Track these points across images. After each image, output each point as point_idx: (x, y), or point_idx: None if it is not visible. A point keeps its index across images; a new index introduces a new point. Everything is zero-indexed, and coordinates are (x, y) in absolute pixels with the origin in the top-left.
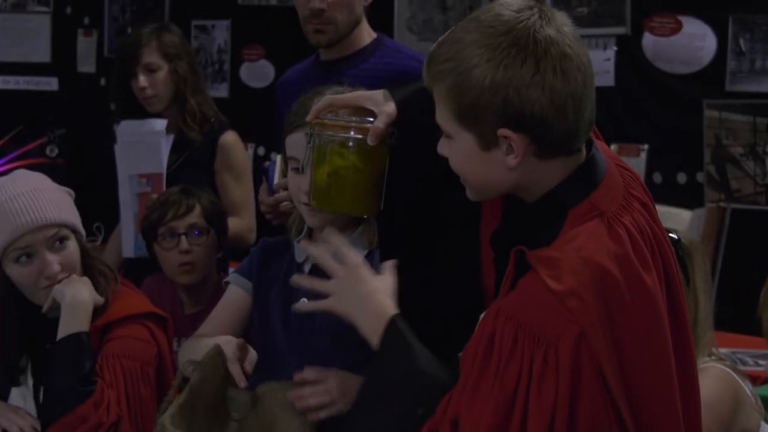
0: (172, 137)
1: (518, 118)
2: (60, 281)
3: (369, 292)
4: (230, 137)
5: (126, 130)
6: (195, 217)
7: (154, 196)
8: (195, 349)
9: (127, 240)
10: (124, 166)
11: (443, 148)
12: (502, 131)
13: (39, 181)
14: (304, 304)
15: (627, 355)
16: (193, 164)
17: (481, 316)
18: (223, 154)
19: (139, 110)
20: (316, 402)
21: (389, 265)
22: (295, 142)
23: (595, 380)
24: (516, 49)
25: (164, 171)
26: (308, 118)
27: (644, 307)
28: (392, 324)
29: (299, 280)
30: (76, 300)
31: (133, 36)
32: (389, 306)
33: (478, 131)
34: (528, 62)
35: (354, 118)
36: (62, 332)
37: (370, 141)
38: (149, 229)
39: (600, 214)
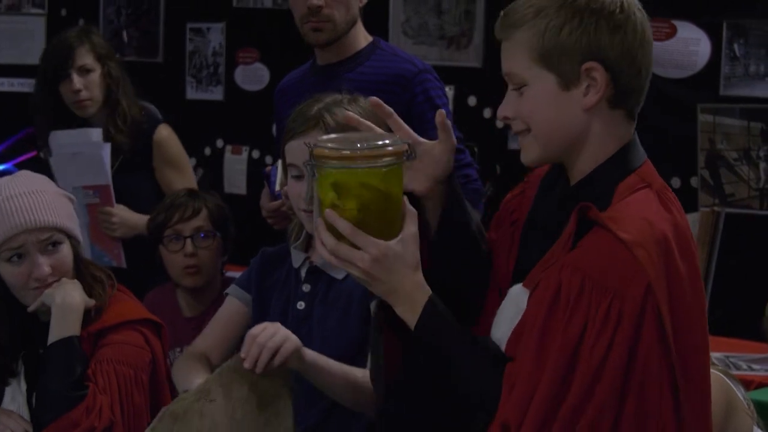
0: (109, 145)
1: (602, 55)
2: (50, 284)
3: (399, 281)
4: (164, 132)
5: (61, 141)
6: (201, 220)
7: (105, 208)
8: (188, 379)
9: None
10: (65, 178)
11: (508, 106)
12: (588, 64)
13: (39, 183)
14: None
15: (677, 314)
16: (131, 167)
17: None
18: (159, 150)
19: (68, 118)
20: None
21: (412, 217)
22: (295, 150)
23: (656, 333)
24: (599, 2)
25: (110, 182)
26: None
27: (692, 274)
28: (431, 304)
29: None
30: (67, 303)
31: (63, 39)
32: (420, 286)
33: (561, 69)
34: (611, 12)
35: (361, 145)
36: (53, 336)
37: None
38: (155, 231)
39: (648, 186)
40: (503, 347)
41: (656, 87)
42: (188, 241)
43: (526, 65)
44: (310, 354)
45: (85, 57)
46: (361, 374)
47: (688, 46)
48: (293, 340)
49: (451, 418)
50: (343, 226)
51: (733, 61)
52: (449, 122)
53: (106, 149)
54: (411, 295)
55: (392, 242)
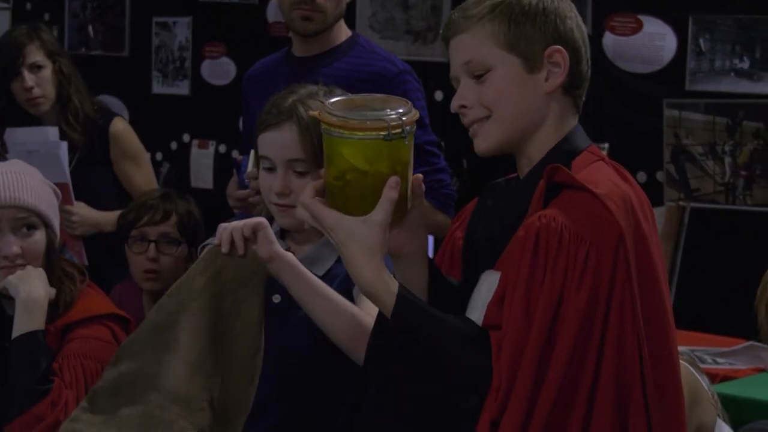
0: (66, 144)
1: (564, 40)
2: (17, 266)
3: (364, 264)
4: (119, 125)
5: (18, 139)
6: (169, 226)
7: (64, 206)
8: None
9: None
10: None
11: (466, 94)
12: (552, 48)
13: (27, 169)
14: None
15: (642, 271)
16: (88, 162)
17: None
18: (116, 143)
19: (20, 115)
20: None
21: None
22: (267, 142)
23: (627, 283)
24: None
25: (69, 180)
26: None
27: (654, 235)
28: (402, 297)
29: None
30: (31, 297)
31: (12, 37)
32: (384, 275)
33: (526, 53)
34: (564, 8)
35: (367, 113)
36: (17, 331)
37: None
38: (122, 230)
39: (602, 159)
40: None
41: (622, 82)
42: (152, 245)
43: (491, 50)
44: (287, 253)
45: (36, 54)
46: (352, 305)
47: (654, 41)
48: (261, 219)
49: (436, 409)
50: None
51: (699, 56)
52: (423, 186)
53: (64, 147)
54: (369, 283)
55: (350, 218)
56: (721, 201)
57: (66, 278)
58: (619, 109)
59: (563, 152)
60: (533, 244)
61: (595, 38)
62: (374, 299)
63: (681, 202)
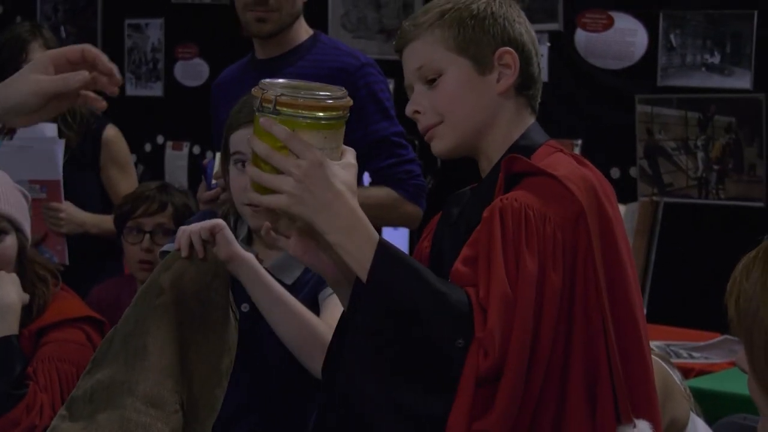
0: (63, 142)
1: (514, 42)
2: None
3: (335, 197)
4: (112, 131)
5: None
6: (165, 217)
7: (52, 203)
8: None
9: None
10: (10, 171)
11: (419, 100)
12: (502, 49)
13: None
14: (250, 193)
15: (607, 251)
16: (77, 163)
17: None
18: (107, 149)
19: None
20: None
21: (351, 153)
22: (242, 138)
23: (590, 260)
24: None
25: (61, 177)
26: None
27: (618, 219)
28: (383, 248)
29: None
30: (4, 303)
31: (15, 34)
32: (364, 222)
33: (476, 56)
34: (514, 9)
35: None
36: None
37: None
38: (118, 220)
39: (560, 150)
40: None
41: (594, 78)
42: (147, 236)
43: (441, 55)
44: (246, 253)
45: (38, 52)
46: (311, 314)
47: (625, 37)
48: (218, 221)
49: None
50: (280, 130)
51: (670, 52)
52: None
53: (60, 145)
54: (349, 222)
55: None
56: (695, 195)
57: (39, 282)
58: (592, 105)
59: (522, 148)
60: (499, 221)
61: (567, 35)
62: (359, 236)
63: (654, 197)
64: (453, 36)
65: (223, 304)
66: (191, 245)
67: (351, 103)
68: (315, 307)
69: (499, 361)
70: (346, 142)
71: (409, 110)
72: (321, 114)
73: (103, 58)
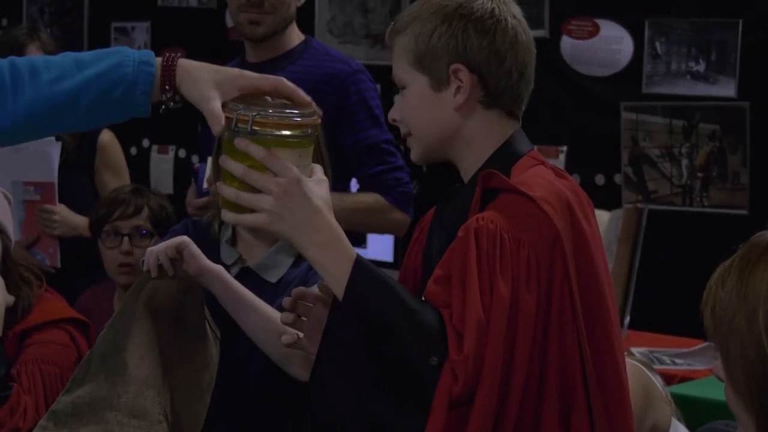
0: (60, 144)
1: (468, 57)
2: None
3: (314, 213)
4: (107, 136)
5: None
6: (141, 219)
7: (46, 205)
8: None
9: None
10: (5, 171)
11: (395, 109)
12: (454, 66)
13: None
14: (225, 213)
15: (582, 270)
16: (72, 166)
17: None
18: (102, 153)
19: None
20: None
21: (320, 168)
22: None
23: (565, 284)
24: (468, 8)
25: (56, 180)
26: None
27: (595, 234)
28: (361, 265)
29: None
30: None
31: (12, 35)
32: (341, 238)
33: (432, 71)
34: (480, 17)
35: (270, 111)
36: None
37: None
38: (95, 225)
39: (542, 163)
40: None
41: (580, 85)
42: (125, 238)
43: (404, 69)
44: (215, 266)
45: (35, 54)
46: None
47: (611, 45)
48: (183, 238)
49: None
50: (257, 149)
51: (655, 60)
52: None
53: (57, 147)
54: (328, 237)
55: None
56: (679, 203)
57: (23, 284)
58: (577, 113)
59: (502, 159)
60: (474, 243)
61: (553, 42)
62: (337, 253)
63: (639, 204)
64: (411, 49)
65: (199, 319)
66: (160, 266)
67: (320, 120)
68: None
69: (470, 386)
70: (337, 149)
71: (389, 118)
72: (296, 132)
73: (300, 93)
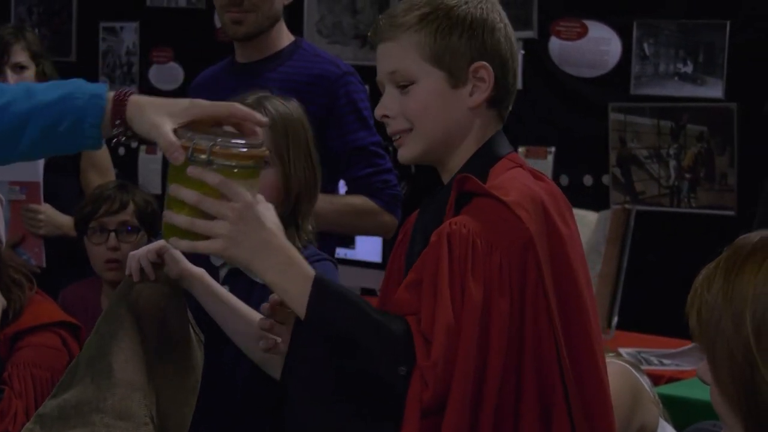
0: None
1: (491, 54)
2: None
3: (270, 236)
4: None
5: None
6: (127, 214)
7: (31, 205)
8: None
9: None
10: None
11: (390, 104)
12: (477, 64)
13: None
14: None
15: (559, 273)
16: (58, 166)
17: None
18: (88, 154)
19: None
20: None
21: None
22: None
23: (539, 289)
24: (486, 2)
25: (41, 180)
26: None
27: (574, 237)
28: (320, 283)
29: None
30: None
31: None
32: (298, 259)
33: (451, 68)
34: (492, 20)
35: (219, 140)
36: None
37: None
38: (80, 222)
39: (520, 166)
40: None
41: (568, 86)
42: (112, 234)
43: (415, 62)
44: (196, 269)
45: (20, 55)
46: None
47: (599, 46)
48: (162, 242)
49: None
50: (212, 176)
51: (644, 61)
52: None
53: None
54: (284, 259)
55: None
56: (666, 204)
57: (14, 286)
58: (565, 113)
59: (481, 160)
60: (447, 248)
61: (541, 43)
62: (296, 273)
63: (627, 205)
64: (429, 44)
65: (182, 323)
66: (142, 270)
67: (268, 152)
68: None
69: (440, 392)
70: (326, 150)
71: (378, 113)
72: (249, 163)
73: (254, 117)
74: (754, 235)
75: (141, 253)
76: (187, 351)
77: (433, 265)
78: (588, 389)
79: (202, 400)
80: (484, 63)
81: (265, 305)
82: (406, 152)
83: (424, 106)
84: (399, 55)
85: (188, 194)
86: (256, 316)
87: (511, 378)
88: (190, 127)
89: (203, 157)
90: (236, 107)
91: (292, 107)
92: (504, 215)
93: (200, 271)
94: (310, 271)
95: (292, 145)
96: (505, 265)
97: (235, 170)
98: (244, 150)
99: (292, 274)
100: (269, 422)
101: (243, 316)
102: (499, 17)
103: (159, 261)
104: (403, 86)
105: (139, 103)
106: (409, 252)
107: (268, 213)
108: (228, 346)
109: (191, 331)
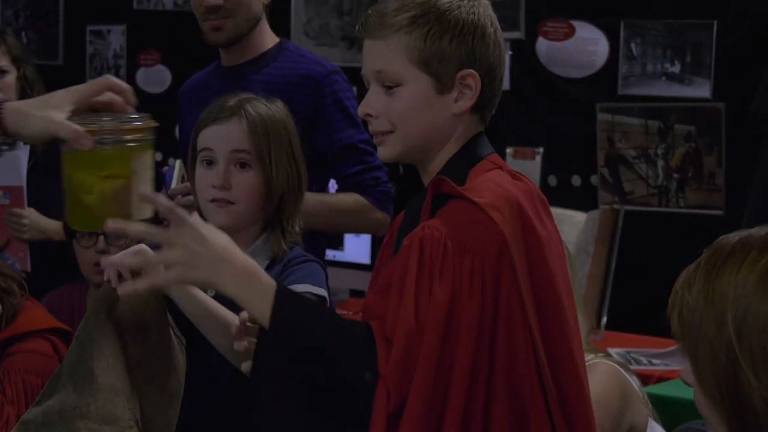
0: (28, 148)
1: (479, 61)
2: None
3: (224, 252)
4: None
5: None
6: None
7: (15, 209)
8: None
9: None
10: None
11: (374, 103)
12: (465, 71)
13: None
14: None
15: (536, 274)
16: (42, 170)
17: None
18: None
19: None
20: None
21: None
22: (211, 134)
23: (513, 292)
24: (477, 4)
25: (24, 184)
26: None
27: (553, 236)
28: (282, 293)
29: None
30: None
31: None
32: (257, 269)
33: (438, 73)
34: (483, 25)
35: (107, 118)
36: None
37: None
38: (68, 226)
39: (499, 167)
40: None
41: (555, 87)
42: (101, 238)
43: (403, 65)
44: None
45: (1, 59)
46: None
47: (587, 46)
48: (140, 246)
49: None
50: (161, 203)
51: (631, 61)
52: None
53: (25, 151)
54: (244, 270)
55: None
56: (655, 204)
57: (5, 294)
58: (553, 114)
59: (461, 162)
60: (418, 252)
61: (528, 43)
62: (256, 285)
63: (615, 206)
64: (418, 48)
65: (162, 326)
66: (120, 276)
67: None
68: None
69: (400, 397)
70: (313, 151)
71: (361, 111)
72: (152, 134)
73: (128, 91)
74: (733, 236)
75: (119, 260)
76: (168, 355)
77: (401, 268)
78: (567, 390)
79: (186, 403)
80: (472, 71)
81: (236, 327)
82: (385, 152)
83: (408, 109)
84: (387, 55)
85: (135, 227)
86: (234, 318)
87: (480, 381)
88: (77, 114)
89: (110, 137)
90: (110, 79)
91: (274, 108)
92: (477, 217)
93: None
94: (271, 282)
95: (273, 147)
96: (477, 269)
97: (147, 142)
98: (146, 123)
99: (253, 285)
100: (253, 425)
101: (220, 317)
102: (490, 21)
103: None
104: (389, 87)
105: (17, 108)
106: (395, 253)
107: (212, 227)
108: (210, 350)
109: (172, 334)
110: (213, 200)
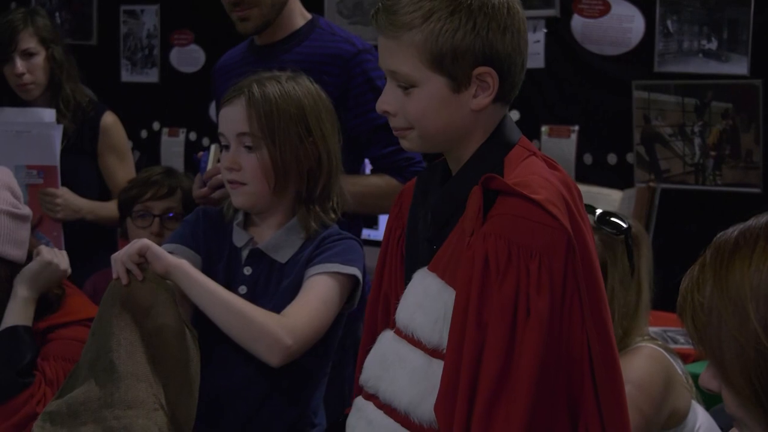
0: (61, 127)
1: (494, 58)
2: None
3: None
4: (110, 118)
5: (8, 118)
6: (174, 201)
7: (48, 189)
8: None
9: None
10: (7, 156)
11: (391, 101)
12: (481, 69)
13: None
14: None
15: (584, 269)
16: (75, 150)
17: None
18: (105, 136)
19: (10, 98)
20: None
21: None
22: (222, 118)
23: (576, 292)
24: (490, 4)
25: (57, 163)
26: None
27: (588, 229)
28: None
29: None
30: (20, 297)
31: (6, 21)
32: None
33: (453, 72)
34: (500, 14)
35: None
36: (5, 323)
37: None
38: (125, 204)
39: (534, 154)
40: (409, 332)
41: (591, 64)
42: (156, 219)
43: (416, 67)
44: (178, 260)
45: (29, 41)
46: (254, 308)
47: (622, 23)
48: (143, 241)
49: None
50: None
51: (667, 38)
52: None
53: (58, 130)
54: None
55: None
56: (691, 182)
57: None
58: (589, 92)
59: (492, 150)
60: (482, 265)
61: (564, 21)
62: None
63: (651, 183)
64: (430, 49)
65: (175, 317)
66: (128, 271)
67: None
68: None
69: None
70: (345, 131)
71: (379, 108)
72: None
73: None
74: (731, 231)
75: (124, 256)
76: (183, 344)
77: (467, 283)
78: (608, 383)
79: (201, 393)
80: (489, 69)
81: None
82: (407, 144)
83: (424, 111)
84: (399, 56)
85: None
86: (239, 302)
87: (548, 380)
88: None
89: None
90: None
91: (290, 86)
92: (540, 216)
93: (182, 263)
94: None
95: (279, 126)
96: (545, 270)
97: None
98: None
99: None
100: (264, 412)
101: (228, 304)
102: (507, 8)
103: (143, 261)
104: (404, 87)
105: None
106: (411, 227)
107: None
108: (222, 341)
109: (184, 326)
110: (229, 182)
